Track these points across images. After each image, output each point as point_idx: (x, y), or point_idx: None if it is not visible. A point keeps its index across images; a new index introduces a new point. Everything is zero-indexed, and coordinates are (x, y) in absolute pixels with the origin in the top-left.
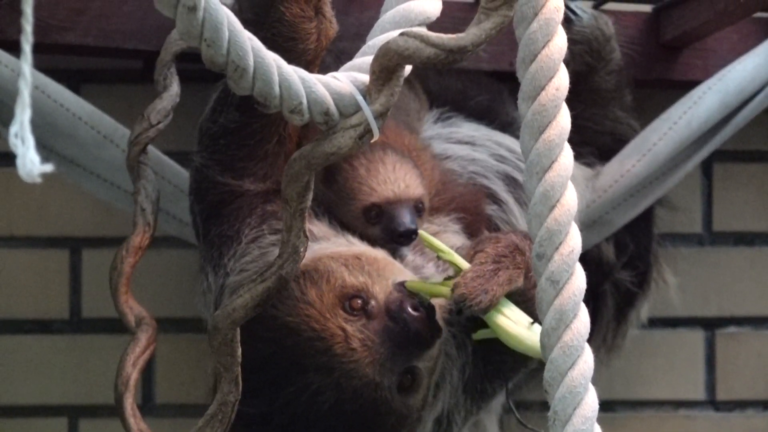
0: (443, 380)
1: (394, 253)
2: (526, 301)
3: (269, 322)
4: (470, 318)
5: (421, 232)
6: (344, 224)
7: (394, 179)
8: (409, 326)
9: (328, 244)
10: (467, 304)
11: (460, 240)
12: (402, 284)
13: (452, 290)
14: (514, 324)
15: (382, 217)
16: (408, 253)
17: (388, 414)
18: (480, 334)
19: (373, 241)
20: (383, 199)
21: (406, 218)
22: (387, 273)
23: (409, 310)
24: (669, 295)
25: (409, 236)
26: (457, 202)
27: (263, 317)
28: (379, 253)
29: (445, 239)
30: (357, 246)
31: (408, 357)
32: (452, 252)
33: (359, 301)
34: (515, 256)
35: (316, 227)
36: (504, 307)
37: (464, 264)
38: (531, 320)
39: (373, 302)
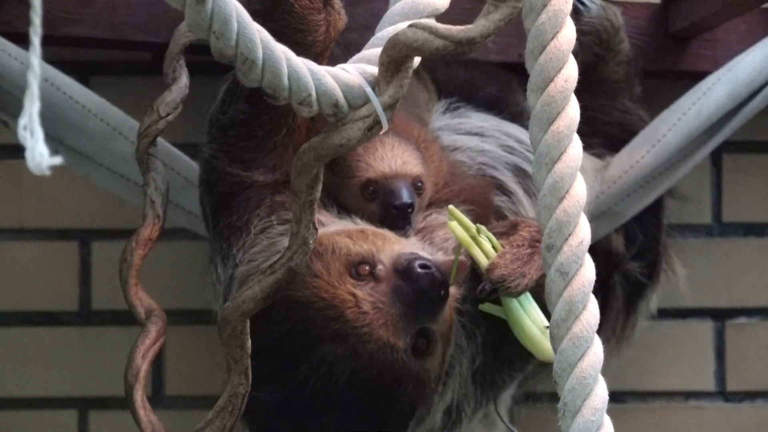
0: (453, 370)
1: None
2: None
3: (278, 304)
4: (479, 310)
5: (451, 207)
6: (348, 209)
7: (392, 156)
8: (420, 283)
9: (334, 226)
10: (505, 285)
11: None
12: (411, 252)
13: (487, 271)
14: (530, 322)
15: (379, 193)
16: (416, 241)
17: (406, 379)
18: (487, 307)
19: (375, 222)
20: (380, 174)
21: (402, 192)
22: (393, 244)
23: (418, 268)
24: (678, 286)
25: (404, 210)
26: (466, 193)
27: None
28: (386, 231)
29: None
30: (362, 225)
31: (420, 317)
32: (481, 228)
33: (366, 267)
34: (524, 251)
35: (324, 216)
36: (525, 300)
37: (483, 258)
38: (547, 324)
39: (380, 266)
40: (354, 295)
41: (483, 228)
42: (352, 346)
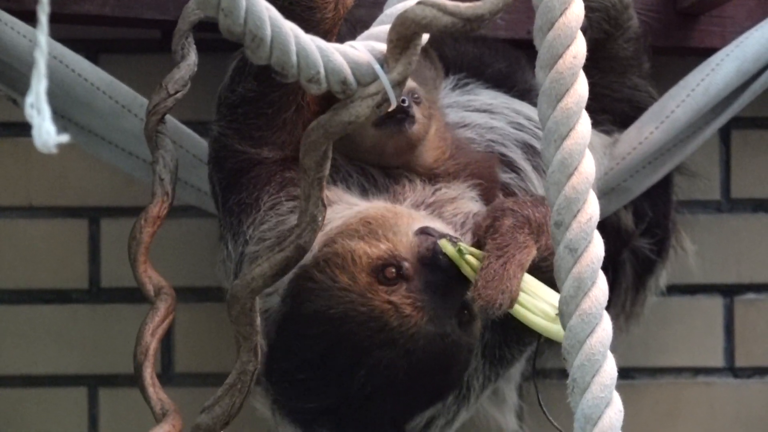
0: None
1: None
2: (544, 265)
3: (313, 319)
4: None
5: (443, 242)
6: (350, 153)
7: None
8: (449, 270)
9: (333, 214)
10: (489, 312)
11: (476, 206)
12: (422, 231)
13: (473, 300)
14: (535, 318)
15: None
16: (425, 216)
17: (459, 352)
18: None
19: (373, 146)
20: None
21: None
22: (402, 226)
23: (440, 255)
24: (687, 262)
25: (403, 115)
26: (472, 167)
27: (304, 316)
28: (384, 206)
29: (462, 205)
30: (359, 206)
31: (459, 297)
32: (463, 248)
33: (392, 269)
34: (517, 236)
35: (332, 192)
36: (526, 289)
37: (472, 273)
38: (556, 309)
39: (405, 264)
40: (391, 302)
41: (464, 246)
42: (404, 347)
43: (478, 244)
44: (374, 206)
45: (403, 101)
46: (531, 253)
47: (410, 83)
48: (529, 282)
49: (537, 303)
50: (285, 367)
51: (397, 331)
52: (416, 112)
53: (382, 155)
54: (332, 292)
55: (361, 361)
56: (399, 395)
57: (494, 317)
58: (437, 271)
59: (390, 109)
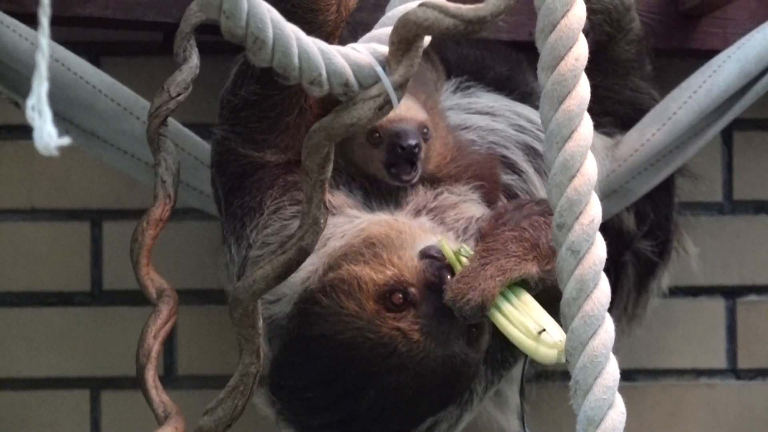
0: None
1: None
2: (547, 290)
3: (320, 342)
4: None
5: (442, 241)
6: (355, 162)
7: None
8: None
9: (334, 228)
10: (457, 305)
11: (479, 209)
12: (426, 254)
13: (443, 292)
14: (515, 331)
15: (385, 137)
16: (427, 222)
17: (467, 368)
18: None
19: (380, 174)
20: (385, 120)
21: (408, 134)
22: (406, 248)
23: (448, 278)
24: (690, 264)
25: (411, 151)
26: (474, 168)
27: (311, 338)
28: (386, 222)
29: (464, 210)
30: (360, 219)
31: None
32: (460, 249)
33: (399, 295)
34: (509, 245)
35: (335, 198)
36: (516, 303)
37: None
38: (541, 328)
39: (411, 289)
40: (399, 329)
41: (463, 247)
42: (413, 370)
43: None
44: (376, 222)
45: (416, 147)
46: (520, 265)
47: (421, 115)
48: (523, 298)
49: (521, 317)
50: (291, 384)
51: (406, 356)
52: (423, 152)
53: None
54: (340, 318)
55: (369, 383)
56: (406, 410)
57: (464, 315)
58: (470, 321)
59: (396, 145)
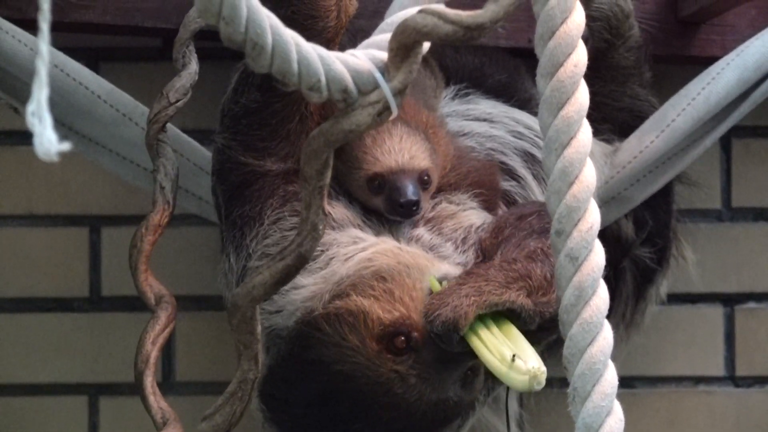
0: None
1: (406, 234)
2: (548, 326)
3: (317, 367)
4: None
5: (431, 278)
6: (353, 195)
7: (399, 149)
8: (460, 346)
9: (338, 248)
10: (428, 318)
11: (479, 217)
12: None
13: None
14: (489, 355)
15: (385, 188)
16: (425, 232)
17: (460, 409)
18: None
19: (379, 211)
20: (386, 169)
21: (408, 189)
22: (417, 284)
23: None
24: (688, 271)
25: (410, 207)
26: (473, 176)
27: (308, 361)
28: (394, 254)
29: (462, 219)
30: (366, 244)
31: (464, 366)
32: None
33: (402, 338)
34: (492, 272)
35: (334, 209)
36: (495, 332)
37: None
38: (513, 354)
39: (415, 333)
40: (397, 371)
41: (447, 279)
42: (406, 410)
43: (483, 261)
44: (382, 252)
45: (414, 204)
46: (500, 290)
47: (423, 164)
48: (505, 328)
49: (498, 344)
50: (283, 397)
51: (401, 396)
52: (422, 206)
53: None
54: (340, 349)
55: (359, 415)
56: None
57: (436, 331)
58: (449, 347)
59: (395, 202)
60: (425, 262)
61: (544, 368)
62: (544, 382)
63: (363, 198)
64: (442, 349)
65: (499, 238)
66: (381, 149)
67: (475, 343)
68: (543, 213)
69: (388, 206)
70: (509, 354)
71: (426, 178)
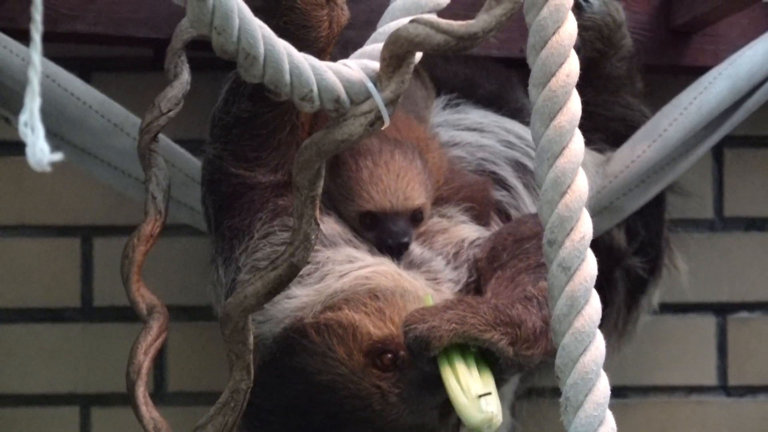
0: None
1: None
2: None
3: (298, 374)
4: None
5: (427, 297)
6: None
7: (394, 190)
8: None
9: (333, 266)
10: (404, 328)
11: (471, 231)
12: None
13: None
14: (455, 384)
15: (377, 227)
16: (416, 247)
17: None
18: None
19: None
20: (379, 209)
21: (399, 231)
22: (409, 307)
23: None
24: (680, 280)
25: (399, 249)
26: (465, 191)
27: (290, 367)
28: (391, 276)
29: (453, 234)
30: (363, 263)
31: (445, 393)
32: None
33: (389, 356)
34: (481, 308)
35: (325, 224)
36: (473, 371)
37: None
38: (481, 393)
39: (402, 353)
40: (380, 387)
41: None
42: (381, 429)
43: (477, 280)
44: (382, 273)
45: (404, 245)
46: (484, 328)
47: (417, 202)
48: (484, 373)
49: (469, 379)
50: (258, 403)
51: (378, 414)
52: (414, 237)
53: None
54: (325, 359)
55: (335, 426)
56: None
57: (407, 343)
58: (419, 362)
59: (385, 242)
60: (424, 291)
61: (501, 419)
62: (494, 430)
63: (353, 225)
64: (426, 372)
65: (494, 264)
66: (377, 188)
67: (446, 369)
68: (541, 236)
69: (378, 243)
70: (476, 391)
71: (419, 215)
